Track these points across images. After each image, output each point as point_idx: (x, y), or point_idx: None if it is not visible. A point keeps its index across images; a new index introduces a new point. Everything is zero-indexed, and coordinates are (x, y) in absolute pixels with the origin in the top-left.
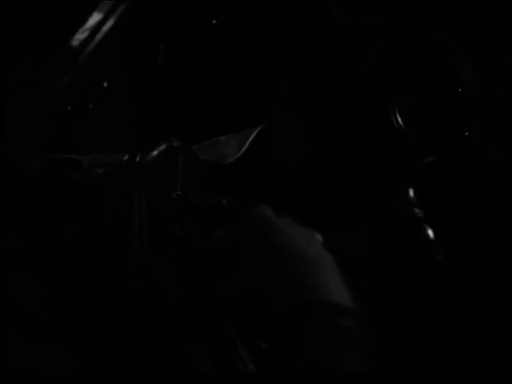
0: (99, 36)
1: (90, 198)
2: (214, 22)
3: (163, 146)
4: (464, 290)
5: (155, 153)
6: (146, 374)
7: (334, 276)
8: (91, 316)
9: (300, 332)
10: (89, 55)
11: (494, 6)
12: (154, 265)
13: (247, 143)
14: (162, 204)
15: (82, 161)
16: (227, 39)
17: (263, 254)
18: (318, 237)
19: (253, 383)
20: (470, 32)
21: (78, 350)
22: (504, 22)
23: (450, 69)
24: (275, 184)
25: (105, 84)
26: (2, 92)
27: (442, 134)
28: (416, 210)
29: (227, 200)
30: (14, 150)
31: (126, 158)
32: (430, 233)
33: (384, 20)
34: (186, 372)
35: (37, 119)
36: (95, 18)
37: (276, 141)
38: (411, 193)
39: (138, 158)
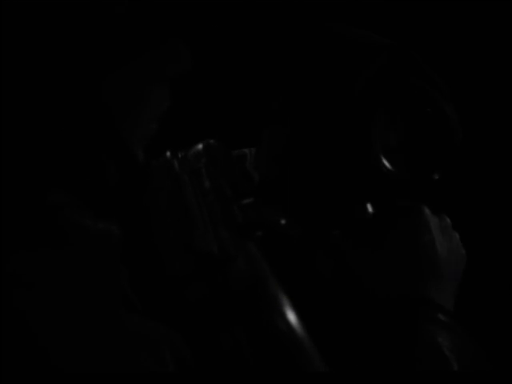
0: None
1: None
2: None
3: (201, 144)
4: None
5: (196, 148)
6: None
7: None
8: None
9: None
10: None
11: None
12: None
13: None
14: (216, 190)
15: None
16: (228, 41)
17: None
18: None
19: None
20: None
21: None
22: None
23: (438, 109)
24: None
25: None
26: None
27: (423, 171)
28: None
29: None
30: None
31: (169, 153)
32: None
33: (383, 45)
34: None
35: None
36: None
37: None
38: (369, 207)
39: (180, 154)
